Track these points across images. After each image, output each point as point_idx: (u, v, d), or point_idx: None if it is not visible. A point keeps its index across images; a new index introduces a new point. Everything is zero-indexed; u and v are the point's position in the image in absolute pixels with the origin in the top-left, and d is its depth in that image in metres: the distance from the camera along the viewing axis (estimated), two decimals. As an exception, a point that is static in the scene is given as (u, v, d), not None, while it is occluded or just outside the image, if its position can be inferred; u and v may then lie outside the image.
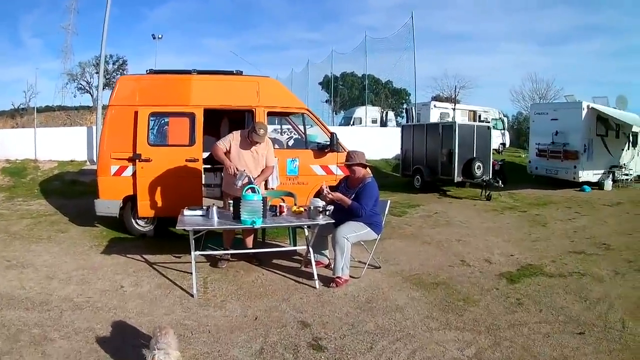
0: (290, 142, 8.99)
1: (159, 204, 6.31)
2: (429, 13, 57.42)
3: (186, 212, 4.93)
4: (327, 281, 4.80)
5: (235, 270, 5.24)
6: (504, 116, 26.56)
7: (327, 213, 4.90)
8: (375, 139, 17.34)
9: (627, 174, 13.86)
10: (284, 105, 7.12)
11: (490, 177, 11.83)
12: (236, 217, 4.63)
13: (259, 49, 66.65)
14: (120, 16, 52.98)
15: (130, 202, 6.55)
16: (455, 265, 5.60)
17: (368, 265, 5.23)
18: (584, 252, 6.27)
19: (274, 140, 7.42)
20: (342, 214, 4.94)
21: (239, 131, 5.46)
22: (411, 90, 25.22)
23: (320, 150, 7.15)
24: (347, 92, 40.36)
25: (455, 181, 12.05)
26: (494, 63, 63.10)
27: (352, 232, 4.81)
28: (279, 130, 12.27)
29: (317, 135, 8.17)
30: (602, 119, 13.15)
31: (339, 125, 24.34)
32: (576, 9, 60.56)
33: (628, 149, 14.13)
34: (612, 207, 10.34)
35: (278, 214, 4.98)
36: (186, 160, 6.35)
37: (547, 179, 13.98)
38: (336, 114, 35.49)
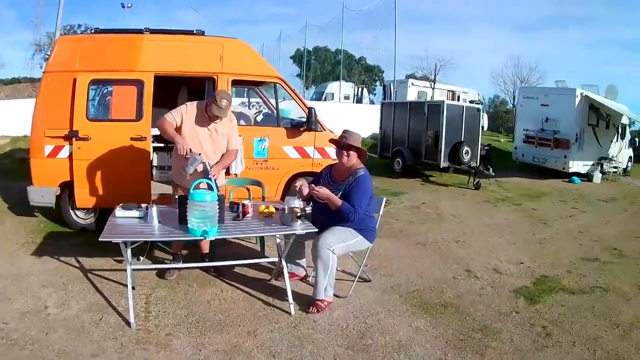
0: (259, 118, 7.70)
1: (100, 191, 5.13)
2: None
3: (118, 212, 3.65)
4: (305, 303, 3.71)
5: (187, 283, 4.09)
6: (482, 98, 25.94)
7: (307, 216, 3.73)
8: (350, 116, 16.01)
9: (615, 167, 13.40)
10: (252, 72, 5.86)
11: (478, 163, 10.95)
12: (182, 221, 3.41)
13: (232, 22, 64.29)
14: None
15: (67, 189, 5.33)
16: (461, 278, 4.64)
17: (358, 278, 4.18)
18: (598, 259, 5.52)
19: (240, 115, 6.13)
20: (325, 216, 3.77)
21: (195, 102, 4.18)
22: (386, 67, 24.21)
23: (295, 128, 5.93)
24: (319, 67, 39.00)
25: (441, 166, 11.09)
26: (471, 45, 62.62)
27: (340, 241, 3.67)
28: (247, 103, 10.85)
29: (291, 110, 6.94)
30: (593, 108, 12.52)
31: (311, 100, 23.08)
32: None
33: (617, 140, 13.66)
34: (607, 203, 9.73)
35: (241, 215, 3.76)
36: (131, 139, 5.13)
37: (532, 166, 13.33)
38: (307, 89, 34.19)
